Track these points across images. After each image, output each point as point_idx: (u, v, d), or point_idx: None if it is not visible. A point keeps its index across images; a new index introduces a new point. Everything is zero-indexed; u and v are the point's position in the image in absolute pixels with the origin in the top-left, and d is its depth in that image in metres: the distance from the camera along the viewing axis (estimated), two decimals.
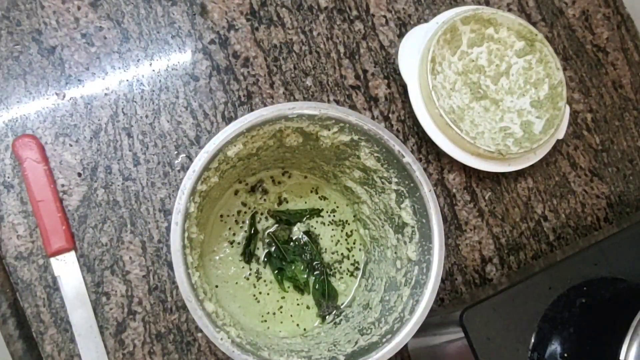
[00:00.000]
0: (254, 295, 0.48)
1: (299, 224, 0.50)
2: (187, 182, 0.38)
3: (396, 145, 0.41)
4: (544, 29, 0.63)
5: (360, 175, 0.46)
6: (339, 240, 0.51)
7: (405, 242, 0.44)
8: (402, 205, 0.43)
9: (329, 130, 0.42)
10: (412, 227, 0.43)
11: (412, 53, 0.55)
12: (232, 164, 0.43)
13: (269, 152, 0.46)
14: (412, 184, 0.42)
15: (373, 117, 0.56)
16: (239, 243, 0.49)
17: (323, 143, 0.44)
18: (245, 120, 0.39)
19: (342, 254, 0.51)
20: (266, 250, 0.49)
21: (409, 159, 0.41)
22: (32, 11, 0.50)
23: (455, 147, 0.53)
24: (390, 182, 0.44)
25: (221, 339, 0.36)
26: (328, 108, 0.41)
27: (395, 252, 0.46)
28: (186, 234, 0.38)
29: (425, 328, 0.49)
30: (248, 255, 0.48)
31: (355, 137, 0.42)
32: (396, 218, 0.45)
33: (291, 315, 0.48)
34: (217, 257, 0.48)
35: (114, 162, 0.49)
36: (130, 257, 0.48)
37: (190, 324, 0.48)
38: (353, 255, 0.51)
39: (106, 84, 0.51)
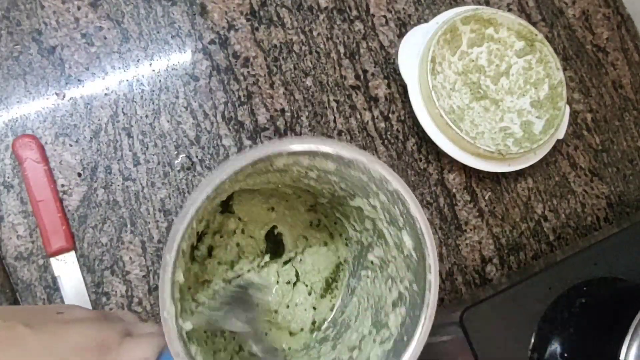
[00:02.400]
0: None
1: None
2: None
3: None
4: (544, 29, 0.63)
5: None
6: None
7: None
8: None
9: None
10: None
11: (412, 53, 0.55)
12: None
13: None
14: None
15: (373, 117, 0.56)
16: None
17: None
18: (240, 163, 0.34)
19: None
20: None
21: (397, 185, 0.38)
22: (32, 11, 0.50)
23: (455, 147, 0.53)
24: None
25: None
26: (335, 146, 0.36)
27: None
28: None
29: None
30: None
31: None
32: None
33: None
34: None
35: (114, 162, 0.49)
36: (130, 257, 0.48)
37: None
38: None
39: (106, 84, 0.51)
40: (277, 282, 0.47)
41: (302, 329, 0.47)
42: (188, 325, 0.34)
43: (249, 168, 0.35)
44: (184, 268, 0.39)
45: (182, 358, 0.31)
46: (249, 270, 0.46)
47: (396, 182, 0.37)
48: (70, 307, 0.35)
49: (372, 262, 0.45)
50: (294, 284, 0.48)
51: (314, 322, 0.48)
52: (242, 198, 0.47)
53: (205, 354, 0.35)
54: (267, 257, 0.47)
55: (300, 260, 0.48)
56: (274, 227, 0.48)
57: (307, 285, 0.48)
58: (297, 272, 0.48)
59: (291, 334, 0.47)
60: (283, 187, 0.46)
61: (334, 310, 0.48)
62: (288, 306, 0.47)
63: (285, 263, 0.48)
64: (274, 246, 0.48)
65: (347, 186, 0.41)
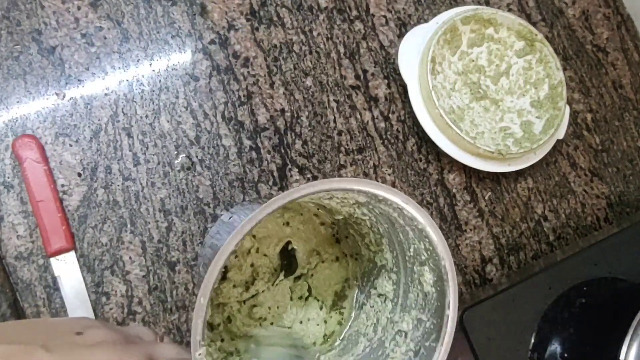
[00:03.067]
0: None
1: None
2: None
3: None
4: (544, 29, 0.63)
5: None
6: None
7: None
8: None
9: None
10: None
11: (412, 53, 0.55)
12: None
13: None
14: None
15: (373, 117, 0.56)
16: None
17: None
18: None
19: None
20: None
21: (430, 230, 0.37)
22: (32, 11, 0.50)
23: (455, 147, 0.53)
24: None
25: None
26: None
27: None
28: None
29: None
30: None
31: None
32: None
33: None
34: None
35: (114, 162, 0.49)
36: (130, 257, 0.48)
37: (190, 324, 0.48)
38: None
39: (106, 84, 0.51)
40: (291, 298, 0.47)
41: (314, 343, 0.47)
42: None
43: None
44: None
45: None
46: (263, 291, 0.46)
47: (425, 220, 0.37)
48: (89, 326, 0.33)
49: (385, 285, 0.45)
50: (306, 298, 0.48)
51: (324, 336, 0.47)
52: None
53: None
54: (282, 275, 0.46)
55: (312, 275, 0.48)
56: (288, 242, 0.47)
57: (318, 300, 0.48)
58: (309, 287, 0.48)
59: (304, 347, 0.47)
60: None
61: (346, 325, 0.48)
62: (301, 322, 0.47)
63: (297, 278, 0.47)
64: (287, 262, 0.47)
65: (372, 214, 0.41)
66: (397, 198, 0.36)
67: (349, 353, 0.44)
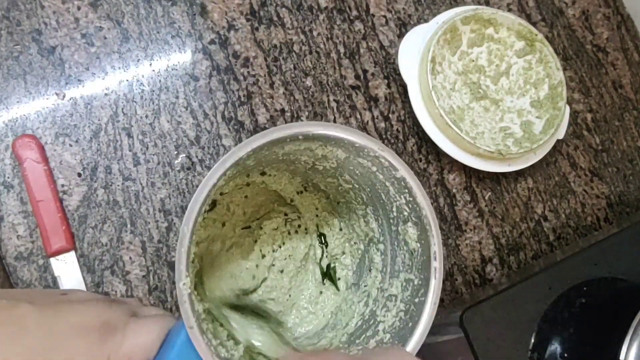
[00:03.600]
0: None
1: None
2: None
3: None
4: (544, 29, 0.63)
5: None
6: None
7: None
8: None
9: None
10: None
11: (412, 53, 0.55)
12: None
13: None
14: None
15: (373, 117, 0.56)
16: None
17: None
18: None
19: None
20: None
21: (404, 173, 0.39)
22: (32, 11, 0.50)
23: (455, 147, 0.53)
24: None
25: None
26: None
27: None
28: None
29: None
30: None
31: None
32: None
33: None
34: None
35: (114, 162, 0.49)
36: (130, 257, 0.48)
37: None
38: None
39: (106, 84, 0.51)
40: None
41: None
42: (200, 307, 0.34)
43: (264, 149, 0.35)
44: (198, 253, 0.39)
45: (196, 331, 0.31)
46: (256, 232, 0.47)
47: (403, 170, 0.38)
48: (75, 290, 0.34)
49: (374, 258, 0.46)
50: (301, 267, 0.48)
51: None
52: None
53: (216, 333, 0.35)
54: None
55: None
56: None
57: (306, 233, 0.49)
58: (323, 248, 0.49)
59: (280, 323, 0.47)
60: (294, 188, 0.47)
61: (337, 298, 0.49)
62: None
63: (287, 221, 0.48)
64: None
65: (354, 179, 0.42)
66: (373, 144, 0.37)
67: (341, 329, 0.44)
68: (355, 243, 0.48)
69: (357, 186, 0.43)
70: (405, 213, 0.40)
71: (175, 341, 0.32)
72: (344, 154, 0.40)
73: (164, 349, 0.32)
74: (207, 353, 0.32)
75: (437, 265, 0.37)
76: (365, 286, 0.46)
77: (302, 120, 0.54)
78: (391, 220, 0.42)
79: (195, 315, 0.32)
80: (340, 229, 0.49)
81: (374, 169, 0.39)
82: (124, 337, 0.31)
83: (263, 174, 0.47)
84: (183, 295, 0.31)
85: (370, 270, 0.46)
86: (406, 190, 0.38)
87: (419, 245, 0.40)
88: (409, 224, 0.40)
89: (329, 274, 0.48)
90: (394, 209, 0.41)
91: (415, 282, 0.40)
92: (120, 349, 0.31)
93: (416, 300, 0.39)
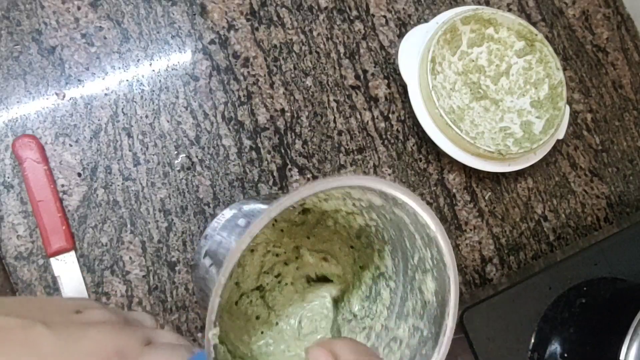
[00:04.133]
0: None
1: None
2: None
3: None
4: (544, 29, 0.63)
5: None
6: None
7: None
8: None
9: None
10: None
11: (412, 53, 0.55)
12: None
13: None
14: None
15: (373, 117, 0.56)
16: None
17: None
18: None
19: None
20: None
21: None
22: (32, 11, 0.50)
23: (455, 147, 0.53)
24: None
25: None
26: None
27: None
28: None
29: None
30: None
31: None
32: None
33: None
34: None
35: (114, 162, 0.49)
36: (130, 257, 0.48)
37: (190, 324, 0.48)
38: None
39: (106, 84, 0.51)
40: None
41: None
42: (222, 351, 0.34)
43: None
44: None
45: None
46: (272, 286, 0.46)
47: (436, 228, 0.36)
48: (89, 306, 0.34)
49: (381, 292, 0.45)
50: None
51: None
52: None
53: None
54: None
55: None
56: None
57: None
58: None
59: None
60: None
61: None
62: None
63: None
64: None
65: (380, 220, 0.41)
66: (414, 203, 0.35)
67: None
68: (366, 270, 0.48)
69: (381, 226, 0.42)
70: (428, 266, 0.39)
71: None
72: (380, 202, 0.38)
73: None
74: None
75: (449, 324, 0.36)
76: (370, 319, 0.45)
77: (302, 121, 0.54)
78: (409, 265, 0.41)
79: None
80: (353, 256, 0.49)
81: (407, 220, 0.38)
82: None
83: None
84: (210, 346, 0.31)
85: (376, 303, 0.45)
86: (435, 248, 0.37)
87: (434, 299, 0.38)
88: (429, 276, 0.39)
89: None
90: (416, 258, 0.40)
91: (424, 333, 0.39)
92: None
93: (423, 352, 0.38)
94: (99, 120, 0.50)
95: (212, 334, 0.31)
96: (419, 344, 0.39)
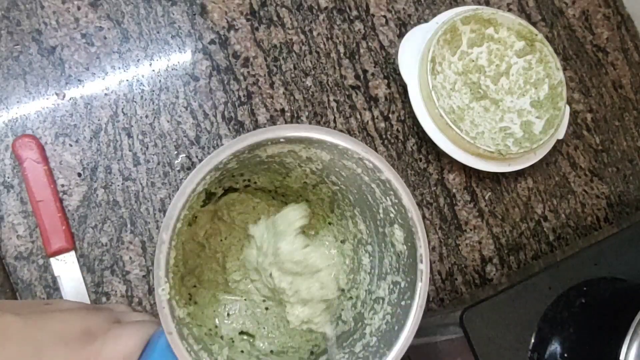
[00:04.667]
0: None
1: None
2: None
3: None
4: (544, 29, 0.63)
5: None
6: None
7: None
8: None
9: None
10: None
11: (412, 53, 0.55)
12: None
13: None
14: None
15: (373, 117, 0.56)
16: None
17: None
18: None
19: None
20: None
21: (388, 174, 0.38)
22: (32, 11, 0.50)
23: (455, 147, 0.53)
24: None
25: None
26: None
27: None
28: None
29: (425, 328, 0.49)
30: None
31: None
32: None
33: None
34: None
35: (114, 162, 0.49)
36: (130, 257, 0.48)
37: None
38: None
39: (106, 84, 0.51)
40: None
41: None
42: (182, 312, 0.34)
43: (245, 152, 0.35)
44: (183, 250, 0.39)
45: (175, 337, 0.31)
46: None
47: (388, 172, 0.37)
48: (59, 300, 0.35)
49: (362, 259, 0.45)
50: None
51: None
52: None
53: (196, 338, 0.35)
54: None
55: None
56: None
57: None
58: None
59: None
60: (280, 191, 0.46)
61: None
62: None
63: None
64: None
65: (339, 180, 0.42)
66: (357, 147, 0.37)
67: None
68: (346, 243, 0.48)
69: (344, 187, 0.43)
70: (392, 215, 0.40)
71: (155, 347, 0.32)
72: (328, 156, 0.39)
73: (145, 355, 0.32)
74: (187, 359, 0.32)
75: (423, 268, 0.37)
76: (355, 289, 0.46)
77: (302, 121, 0.54)
78: (378, 222, 0.42)
79: (175, 321, 0.32)
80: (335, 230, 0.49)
81: (359, 170, 0.39)
82: (104, 344, 0.32)
83: (247, 185, 0.46)
84: (162, 301, 0.31)
85: (359, 272, 0.46)
86: (392, 192, 0.38)
87: (405, 247, 0.39)
88: (396, 225, 0.40)
89: None
90: (381, 211, 0.41)
91: (402, 285, 0.39)
92: (100, 355, 0.31)
93: (402, 303, 0.38)
94: (99, 120, 0.50)
95: (161, 289, 0.31)
96: (398, 297, 0.39)
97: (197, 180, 0.33)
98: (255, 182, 0.46)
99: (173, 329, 0.31)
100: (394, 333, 0.37)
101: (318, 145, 0.38)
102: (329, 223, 0.48)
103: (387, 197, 0.39)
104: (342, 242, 0.48)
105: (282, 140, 0.36)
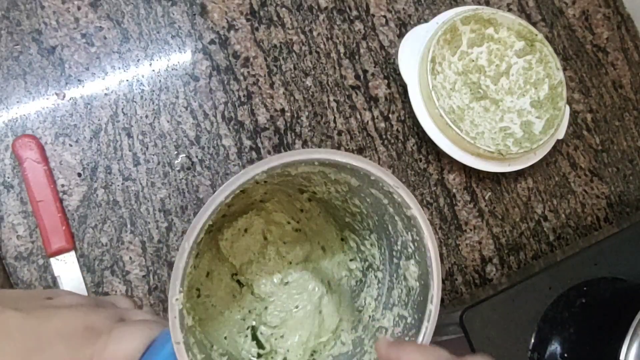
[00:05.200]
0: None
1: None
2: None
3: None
4: (544, 29, 0.63)
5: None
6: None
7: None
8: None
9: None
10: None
11: (412, 53, 0.55)
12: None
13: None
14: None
15: (373, 117, 0.56)
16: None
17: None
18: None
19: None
20: None
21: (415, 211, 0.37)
22: (32, 11, 0.50)
23: (455, 147, 0.53)
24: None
25: None
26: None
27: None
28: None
29: None
30: None
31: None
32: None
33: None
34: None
35: (114, 162, 0.49)
36: (130, 257, 0.48)
37: None
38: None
39: (106, 84, 0.51)
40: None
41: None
42: (190, 320, 0.34)
43: (277, 168, 0.34)
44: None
45: (182, 348, 0.31)
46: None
47: (415, 209, 0.37)
48: (61, 293, 0.34)
49: (370, 284, 0.45)
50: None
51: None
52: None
53: (200, 348, 0.35)
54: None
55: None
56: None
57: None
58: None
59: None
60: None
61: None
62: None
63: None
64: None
65: (363, 205, 0.41)
66: (389, 179, 0.36)
67: (325, 352, 0.44)
68: (355, 261, 0.48)
69: (365, 212, 0.42)
70: (410, 250, 0.39)
71: (160, 352, 0.32)
72: (357, 182, 0.39)
73: (147, 358, 0.32)
74: None
75: (432, 309, 0.36)
76: (359, 312, 0.45)
77: (302, 121, 0.54)
78: (394, 253, 0.42)
79: (184, 331, 0.32)
80: (344, 250, 0.49)
81: (386, 201, 0.38)
82: (106, 343, 0.31)
83: (262, 201, 0.46)
84: (174, 311, 0.31)
85: (365, 296, 0.45)
86: (414, 229, 0.37)
87: (418, 284, 0.39)
88: (412, 261, 0.39)
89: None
90: (399, 243, 0.40)
91: (408, 321, 0.39)
92: (102, 353, 0.31)
93: (406, 339, 0.38)
94: (99, 120, 0.50)
95: (175, 299, 0.31)
96: (402, 332, 0.39)
97: (226, 193, 0.32)
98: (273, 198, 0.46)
99: (181, 339, 0.31)
100: None
101: (349, 172, 0.37)
102: (341, 239, 0.48)
103: (409, 232, 0.38)
104: (351, 260, 0.48)
105: (316, 162, 0.35)
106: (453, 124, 0.51)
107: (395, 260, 0.42)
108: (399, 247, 0.41)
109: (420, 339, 0.37)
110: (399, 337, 0.39)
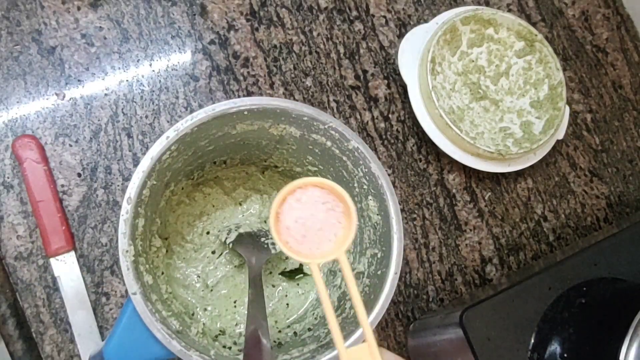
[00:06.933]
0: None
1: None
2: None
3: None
4: (543, 29, 0.63)
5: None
6: None
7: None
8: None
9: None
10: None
11: (412, 53, 0.55)
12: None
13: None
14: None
15: (373, 117, 0.56)
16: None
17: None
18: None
19: None
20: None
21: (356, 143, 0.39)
22: (32, 11, 0.50)
23: (455, 148, 0.53)
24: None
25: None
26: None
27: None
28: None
29: (425, 328, 0.49)
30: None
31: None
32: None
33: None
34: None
35: (114, 162, 0.49)
36: None
37: None
38: None
39: (106, 84, 0.51)
40: None
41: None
42: (149, 278, 0.34)
43: (213, 129, 0.36)
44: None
45: (139, 297, 0.32)
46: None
47: (355, 141, 0.38)
48: None
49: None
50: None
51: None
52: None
53: (170, 306, 0.36)
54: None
55: None
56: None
57: None
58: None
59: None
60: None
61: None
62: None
63: None
64: None
65: (316, 159, 0.42)
66: (321, 116, 0.37)
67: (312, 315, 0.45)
68: None
69: (322, 167, 0.43)
70: (365, 187, 0.40)
71: (125, 310, 0.32)
72: (298, 131, 0.40)
73: (117, 320, 0.32)
74: (150, 319, 0.31)
75: (396, 234, 0.37)
76: (339, 270, 0.46)
77: None
78: (356, 198, 0.43)
79: (139, 283, 0.32)
80: None
81: (329, 143, 0.39)
82: None
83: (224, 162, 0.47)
84: (126, 263, 0.32)
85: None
86: (361, 162, 0.38)
87: (380, 217, 0.40)
88: (370, 197, 0.40)
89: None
90: (356, 185, 0.41)
91: (379, 256, 0.40)
92: None
93: (379, 272, 0.39)
94: (99, 120, 0.50)
95: (125, 251, 0.33)
96: (376, 268, 0.40)
97: (158, 149, 0.35)
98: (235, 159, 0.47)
99: (137, 290, 0.32)
100: (371, 302, 0.38)
101: (285, 120, 0.38)
102: None
103: (359, 168, 0.39)
104: None
105: (246, 112, 0.36)
106: (453, 124, 0.51)
107: (358, 205, 0.43)
108: (357, 189, 0.42)
109: (391, 266, 0.37)
110: (373, 275, 0.40)
